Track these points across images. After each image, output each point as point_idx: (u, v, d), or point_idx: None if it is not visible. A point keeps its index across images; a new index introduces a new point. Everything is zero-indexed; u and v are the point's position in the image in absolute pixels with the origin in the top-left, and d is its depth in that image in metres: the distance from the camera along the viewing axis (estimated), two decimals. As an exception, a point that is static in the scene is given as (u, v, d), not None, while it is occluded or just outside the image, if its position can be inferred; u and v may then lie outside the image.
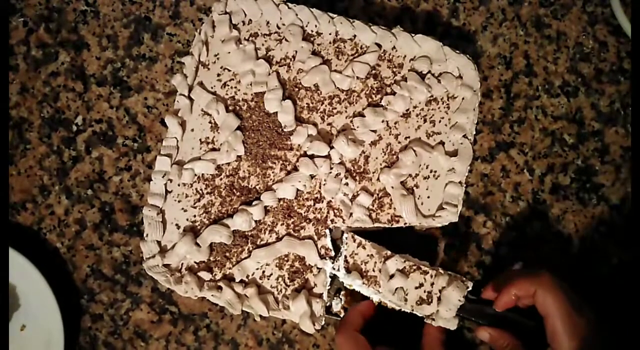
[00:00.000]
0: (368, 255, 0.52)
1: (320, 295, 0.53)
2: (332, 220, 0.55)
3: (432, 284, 0.51)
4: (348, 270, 0.52)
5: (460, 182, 0.55)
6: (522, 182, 0.60)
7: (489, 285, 0.51)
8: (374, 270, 0.52)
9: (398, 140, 0.56)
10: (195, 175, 0.56)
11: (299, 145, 0.56)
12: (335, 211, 0.55)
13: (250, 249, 0.54)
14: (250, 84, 0.57)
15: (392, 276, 0.51)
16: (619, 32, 0.63)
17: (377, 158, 0.56)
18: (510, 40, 0.63)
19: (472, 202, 0.60)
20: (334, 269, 0.54)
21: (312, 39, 0.58)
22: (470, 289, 0.50)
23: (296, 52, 0.58)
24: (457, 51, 0.57)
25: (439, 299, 0.51)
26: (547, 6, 0.64)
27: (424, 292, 0.51)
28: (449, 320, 0.50)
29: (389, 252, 0.52)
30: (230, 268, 0.54)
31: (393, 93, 0.57)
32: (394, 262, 0.51)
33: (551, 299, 0.46)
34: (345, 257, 0.52)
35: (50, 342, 0.56)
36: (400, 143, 0.56)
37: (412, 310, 0.51)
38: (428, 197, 0.55)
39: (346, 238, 0.53)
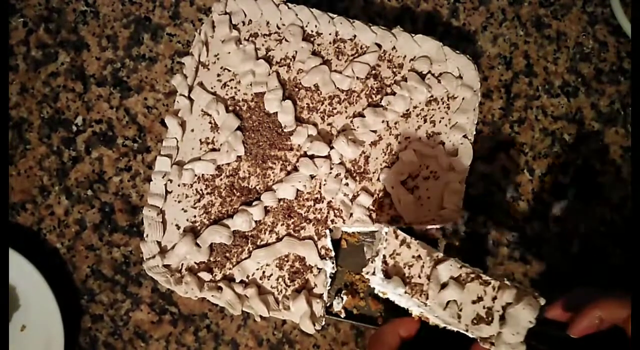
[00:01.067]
0: (414, 257, 0.42)
1: (320, 296, 0.53)
2: (332, 221, 0.55)
3: (494, 299, 0.41)
4: (387, 275, 0.42)
5: (460, 182, 0.55)
6: (522, 182, 0.60)
7: (557, 303, 0.41)
8: (420, 277, 0.42)
9: (398, 140, 0.56)
10: (195, 175, 0.56)
11: (299, 145, 0.56)
12: (336, 211, 0.55)
13: (251, 249, 0.54)
14: (250, 84, 0.57)
15: (444, 285, 0.42)
16: (619, 32, 0.63)
17: (377, 158, 0.56)
18: (510, 40, 0.63)
19: (472, 202, 0.60)
20: (367, 272, 0.44)
21: (312, 39, 0.58)
22: (543, 305, 0.41)
23: (296, 52, 0.58)
24: (457, 51, 0.57)
25: (501, 317, 0.41)
26: (547, 6, 0.64)
27: (483, 308, 0.41)
28: (515, 346, 0.40)
29: (440, 254, 0.42)
30: (230, 268, 0.54)
31: (393, 93, 0.57)
32: (447, 268, 0.42)
33: None
34: (384, 257, 0.42)
35: (50, 343, 0.56)
36: (400, 143, 0.56)
37: (467, 330, 0.42)
38: (428, 197, 0.55)
39: (386, 233, 0.43)
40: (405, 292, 0.42)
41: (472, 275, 0.42)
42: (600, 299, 0.39)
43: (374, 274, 0.43)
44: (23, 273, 0.56)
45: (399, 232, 0.43)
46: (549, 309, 0.41)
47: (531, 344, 0.41)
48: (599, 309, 0.39)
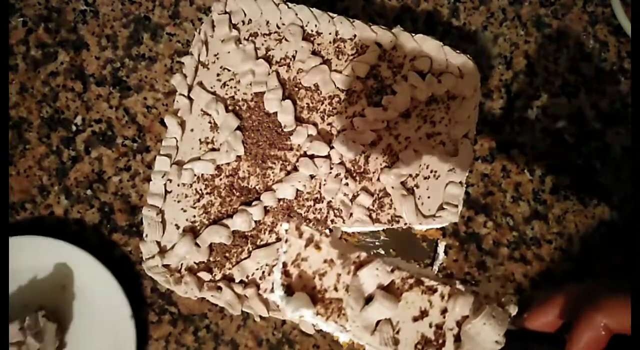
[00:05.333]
0: (325, 262, 0.31)
1: (320, 296, 0.53)
2: (332, 221, 0.54)
3: (444, 312, 0.30)
4: (289, 290, 0.31)
5: (460, 182, 0.55)
6: (523, 182, 0.60)
7: (541, 308, 0.30)
8: (336, 289, 0.30)
9: (398, 140, 0.56)
10: (195, 175, 0.56)
11: (299, 145, 0.56)
12: (335, 211, 0.55)
13: (250, 249, 0.54)
14: (250, 84, 0.57)
15: (369, 300, 0.30)
16: (619, 32, 0.63)
17: (377, 158, 0.56)
18: (510, 40, 0.63)
19: (473, 202, 0.60)
20: (265, 289, 0.33)
21: (312, 38, 0.58)
22: (514, 315, 0.31)
23: (296, 51, 0.57)
24: (458, 51, 0.56)
25: (456, 338, 0.30)
26: (548, 6, 0.64)
27: (430, 326, 0.30)
28: None
29: (363, 254, 0.31)
30: (230, 268, 0.54)
31: (393, 93, 0.56)
32: (372, 273, 0.30)
33: None
34: (285, 265, 0.31)
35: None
36: (400, 143, 0.56)
37: None
38: (428, 197, 0.55)
39: (287, 231, 0.32)
40: (318, 314, 0.30)
41: (410, 281, 0.30)
42: (603, 299, 0.28)
43: (271, 290, 0.32)
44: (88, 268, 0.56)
45: (303, 227, 0.31)
46: (530, 316, 0.31)
47: None
48: (602, 313, 0.27)
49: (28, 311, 0.53)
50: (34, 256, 0.56)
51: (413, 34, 0.57)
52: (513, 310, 0.30)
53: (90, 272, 0.55)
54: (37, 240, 0.56)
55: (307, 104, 0.57)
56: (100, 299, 0.56)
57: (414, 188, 0.55)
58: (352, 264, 0.30)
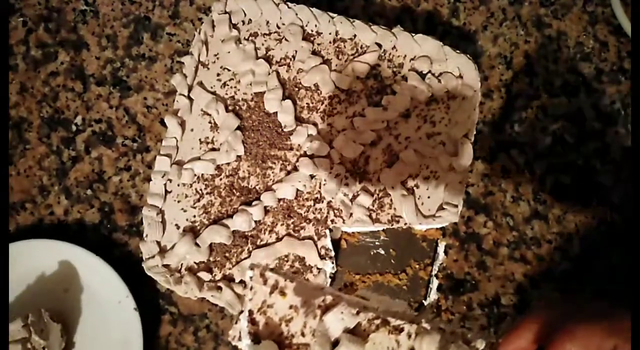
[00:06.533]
0: (291, 308, 0.32)
1: (320, 296, 0.53)
2: (332, 221, 0.54)
3: None
4: (256, 338, 0.32)
5: (460, 182, 0.55)
6: (523, 182, 0.60)
7: (514, 334, 0.30)
8: (303, 335, 0.31)
9: (398, 140, 0.56)
10: (195, 175, 0.56)
11: (299, 145, 0.56)
12: (336, 211, 0.55)
13: (250, 249, 0.54)
14: (250, 84, 0.57)
15: (335, 344, 0.31)
16: (620, 32, 0.63)
17: (377, 158, 0.56)
18: (510, 40, 0.63)
19: (473, 202, 0.60)
20: (233, 337, 0.34)
21: (312, 38, 0.58)
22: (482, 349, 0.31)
23: (296, 51, 0.57)
24: (458, 51, 0.57)
25: None
26: (548, 6, 0.64)
27: None
28: None
29: (329, 297, 0.32)
30: (230, 268, 0.54)
31: (393, 93, 0.56)
32: (337, 317, 0.31)
33: None
34: (251, 313, 0.32)
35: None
36: (400, 143, 0.56)
37: None
38: (428, 197, 0.55)
39: (251, 278, 0.33)
40: None
41: (377, 322, 0.31)
42: (573, 326, 0.28)
43: (239, 339, 0.32)
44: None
45: (268, 274, 0.32)
46: (504, 342, 0.31)
47: None
48: (573, 340, 0.27)
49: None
50: (36, 260, 0.56)
51: (413, 34, 0.57)
52: (480, 345, 0.30)
53: (93, 269, 0.55)
54: (38, 243, 0.56)
55: (307, 104, 0.57)
56: (105, 295, 0.56)
57: (414, 188, 0.55)
58: (318, 308, 0.31)
